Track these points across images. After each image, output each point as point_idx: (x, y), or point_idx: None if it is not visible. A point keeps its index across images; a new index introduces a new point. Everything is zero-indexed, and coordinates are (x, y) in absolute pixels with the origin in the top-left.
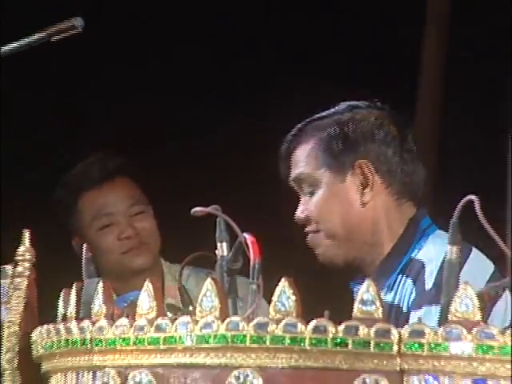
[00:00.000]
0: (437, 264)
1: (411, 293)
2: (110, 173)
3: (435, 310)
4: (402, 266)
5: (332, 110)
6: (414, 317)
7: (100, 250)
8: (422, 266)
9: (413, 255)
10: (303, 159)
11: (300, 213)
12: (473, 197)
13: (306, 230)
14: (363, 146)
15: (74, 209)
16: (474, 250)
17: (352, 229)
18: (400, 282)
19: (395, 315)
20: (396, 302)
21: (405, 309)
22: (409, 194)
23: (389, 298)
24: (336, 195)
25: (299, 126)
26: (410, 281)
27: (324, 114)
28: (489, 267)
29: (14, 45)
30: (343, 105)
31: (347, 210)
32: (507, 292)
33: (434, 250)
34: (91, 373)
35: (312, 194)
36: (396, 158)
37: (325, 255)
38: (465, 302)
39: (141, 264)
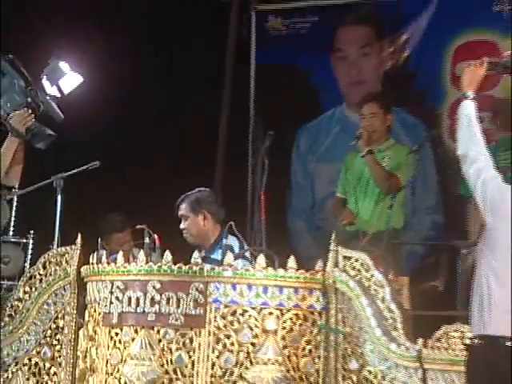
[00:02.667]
0: (234, 245)
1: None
2: (128, 223)
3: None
4: (220, 247)
5: (193, 191)
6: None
7: (114, 247)
8: (230, 246)
9: (224, 243)
10: (183, 209)
11: (182, 226)
12: (232, 223)
13: (183, 233)
14: (204, 205)
15: (115, 233)
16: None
17: (199, 233)
18: (219, 252)
19: (220, 263)
20: (220, 259)
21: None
22: (219, 220)
23: (217, 257)
24: (195, 222)
25: (182, 197)
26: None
27: (190, 193)
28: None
29: (67, 174)
30: (197, 189)
31: (197, 227)
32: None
33: (230, 241)
34: (100, 282)
35: (186, 219)
36: (215, 207)
37: (189, 242)
38: (225, 258)
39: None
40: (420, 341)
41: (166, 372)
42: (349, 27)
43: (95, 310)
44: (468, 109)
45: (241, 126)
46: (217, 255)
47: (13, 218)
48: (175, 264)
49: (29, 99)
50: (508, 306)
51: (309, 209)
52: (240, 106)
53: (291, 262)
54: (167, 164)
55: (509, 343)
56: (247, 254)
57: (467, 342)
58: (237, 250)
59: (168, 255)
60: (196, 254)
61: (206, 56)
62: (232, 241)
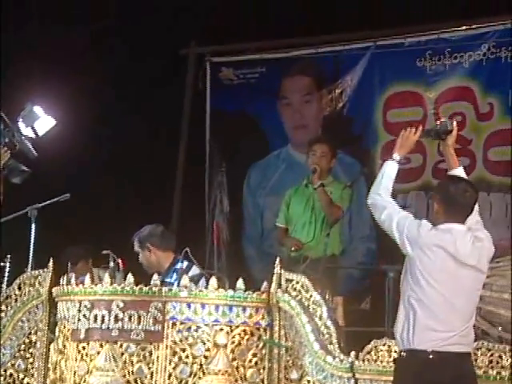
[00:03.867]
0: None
1: (177, 279)
2: (84, 256)
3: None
4: (174, 271)
5: (141, 229)
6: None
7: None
8: (183, 269)
9: (177, 267)
10: (135, 246)
11: (140, 259)
12: (187, 248)
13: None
14: (147, 240)
15: (82, 263)
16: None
17: (150, 265)
18: (173, 276)
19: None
20: (173, 281)
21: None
22: (168, 248)
23: (172, 280)
24: (144, 256)
25: (133, 236)
26: (177, 275)
27: (138, 232)
28: (197, 270)
29: (40, 205)
30: (144, 227)
31: (147, 259)
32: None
33: (180, 265)
34: (70, 302)
35: (139, 254)
36: (158, 239)
37: (147, 270)
38: (185, 281)
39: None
40: (352, 354)
41: (128, 382)
42: (292, 78)
43: (65, 327)
44: (388, 169)
45: (198, 162)
46: (171, 279)
47: None
48: (137, 285)
49: (6, 139)
50: (429, 324)
51: (259, 237)
52: (197, 147)
53: (239, 284)
54: (133, 195)
55: (430, 356)
56: (194, 278)
57: (394, 354)
58: None
59: (130, 277)
60: (155, 277)
61: (166, 101)
62: (182, 265)
